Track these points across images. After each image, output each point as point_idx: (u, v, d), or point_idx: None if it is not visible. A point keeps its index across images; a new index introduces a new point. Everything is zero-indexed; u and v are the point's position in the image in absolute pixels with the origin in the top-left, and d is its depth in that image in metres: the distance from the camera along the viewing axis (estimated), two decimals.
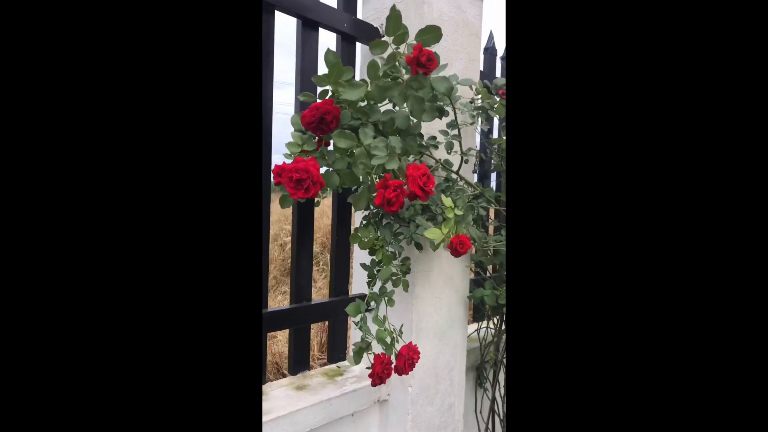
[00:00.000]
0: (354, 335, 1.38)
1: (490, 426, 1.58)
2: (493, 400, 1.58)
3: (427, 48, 0.74)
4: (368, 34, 1.22)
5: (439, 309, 1.27)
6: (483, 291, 1.25)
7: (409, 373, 1.00)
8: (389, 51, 0.80)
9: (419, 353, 1.03)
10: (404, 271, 1.10)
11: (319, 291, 3.95)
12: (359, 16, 1.28)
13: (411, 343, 1.03)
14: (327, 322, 1.27)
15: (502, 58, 1.64)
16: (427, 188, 0.76)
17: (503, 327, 1.52)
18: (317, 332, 3.10)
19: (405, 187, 0.75)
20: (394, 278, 1.08)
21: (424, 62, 0.73)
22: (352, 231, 1.10)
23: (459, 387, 1.37)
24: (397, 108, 0.82)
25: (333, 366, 1.31)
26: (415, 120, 0.80)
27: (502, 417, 1.60)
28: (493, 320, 1.52)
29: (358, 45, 1.23)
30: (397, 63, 0.76)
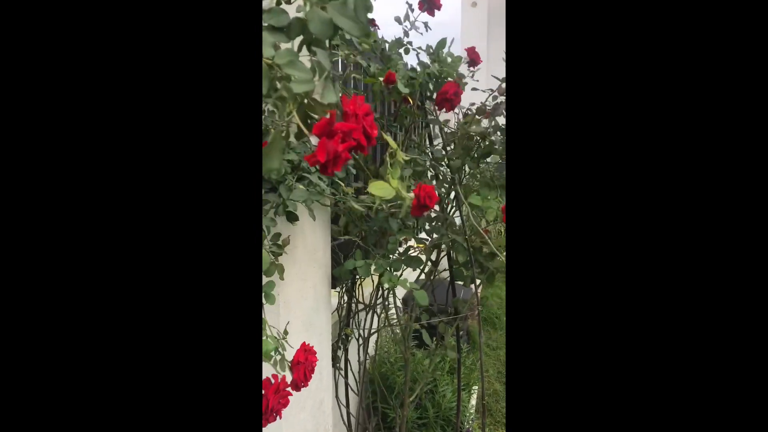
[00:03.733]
0: None
1: (350, 408, 1.44)
2: (346, 377, 1.44)
3: None
4: None
5: (305, 293, 1.03)
6: (355, 262, 1.06)
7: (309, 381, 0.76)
8: None
9: (315, 353, 0.79)
10: (278, 253, 0.81)
11: None
12: None
13: (304, 343, 0.77)
14: None
15: None
16: (372, 134, 0.51)
17: (358, 294, 1.38)
18: None
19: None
20: (270, 265, 0.78)
21: None
22: None
23: (327, 379, 1.17)
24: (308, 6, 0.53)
25: None
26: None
27: (356, 392, 1.48)
28: (349, 290, 1.36)
29: None
30: None
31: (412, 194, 0.70)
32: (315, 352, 0.78)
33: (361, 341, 1.40)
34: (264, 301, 0.75)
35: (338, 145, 0.45)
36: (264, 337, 0.72)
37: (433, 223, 1.17)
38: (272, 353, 0.73)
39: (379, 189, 0.63)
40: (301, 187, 0.83)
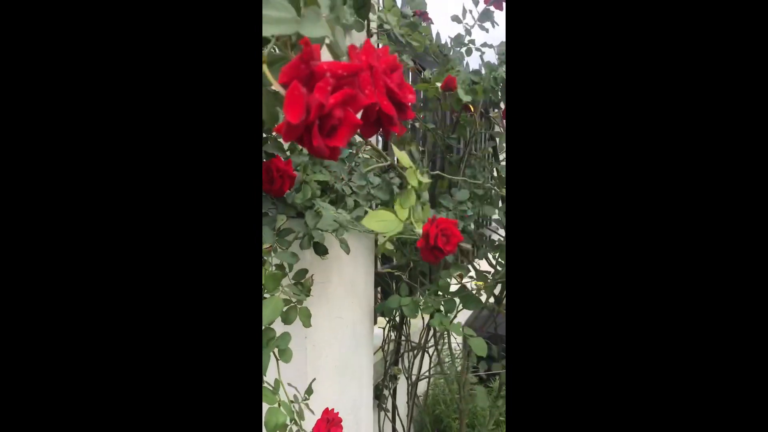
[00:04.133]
0: None
1: None
2: (393, 421, 1.28)
3: None
4: None
5: (340, 333, 0.88)
6: (401, 299, 0.89)
7: None
8: None
9: (340, 421, 0.63)
10: (303, 294, 0.67)
11: None
12: None
13: (327, 409, 0.62)
14: None
15: None
16: (404, 98, 0.34)
17: (405, 329, 1.21)
18: None
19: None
20: (288, 309, 0.64)
21: None
22: None
23: (367, 428, 1.02)
24: None
25: None
26: None
27: None
28: (396, 325, 1.19)
29: None
30: None
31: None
32: (340, 421, 0.63)
33: (410, 382, 1.23)
34: (278, 357, 0.61)
35: (324, 96, 0.27)
36: (275, 405, 0.58)
37: (497, 255, 0.98)
38: (288, 423, 0.59)
39: (377, 222, 0.47)
40: (332, 212, 0.68)
